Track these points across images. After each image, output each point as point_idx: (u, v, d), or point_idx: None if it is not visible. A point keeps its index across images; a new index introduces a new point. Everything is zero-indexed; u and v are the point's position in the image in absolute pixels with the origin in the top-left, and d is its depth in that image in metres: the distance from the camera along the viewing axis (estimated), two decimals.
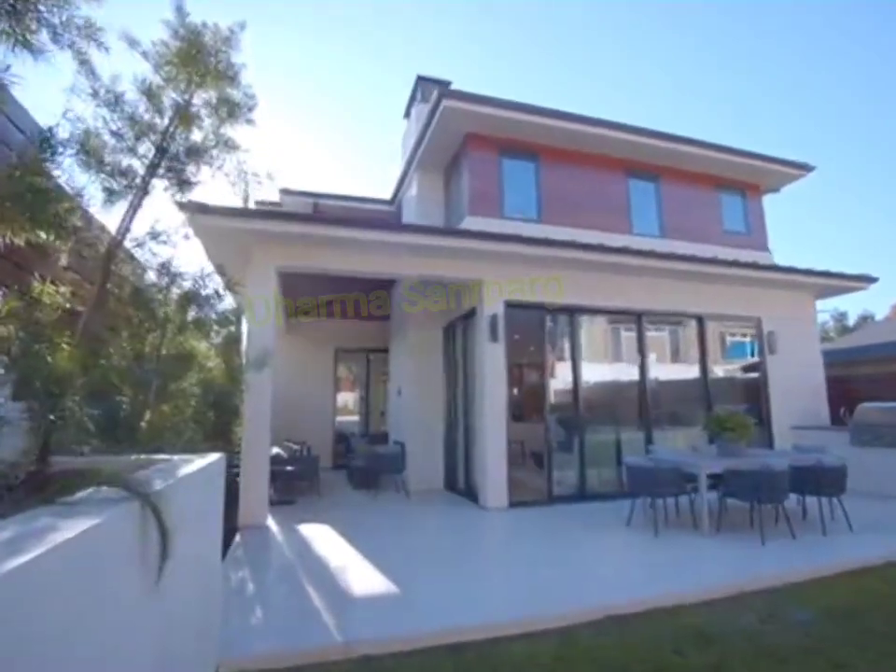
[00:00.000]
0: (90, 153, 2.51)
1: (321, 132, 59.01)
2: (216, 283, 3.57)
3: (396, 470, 7.51)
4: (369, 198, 11.34)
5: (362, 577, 4.02)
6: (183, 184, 2.62)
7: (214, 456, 2.61)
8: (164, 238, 2.58)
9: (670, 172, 9.63)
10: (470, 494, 7.32)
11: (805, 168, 10.24)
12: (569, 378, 7.39)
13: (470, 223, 7.70)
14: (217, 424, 5.43)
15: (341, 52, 46.94)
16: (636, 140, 8.78)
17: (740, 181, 10.24)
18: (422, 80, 10.02)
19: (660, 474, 5.28)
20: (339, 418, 11.79)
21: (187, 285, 3.43)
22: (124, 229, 2.44)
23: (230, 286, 3.63)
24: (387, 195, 11.44)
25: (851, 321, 32.30)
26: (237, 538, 5.23)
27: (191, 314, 3.60)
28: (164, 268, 3.15)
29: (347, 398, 13.06)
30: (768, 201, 10.73)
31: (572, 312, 7.46)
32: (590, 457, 7.23)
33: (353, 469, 8.47)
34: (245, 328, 6.22)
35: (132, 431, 3.31)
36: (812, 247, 56.58)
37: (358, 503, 7.15)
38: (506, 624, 3.20)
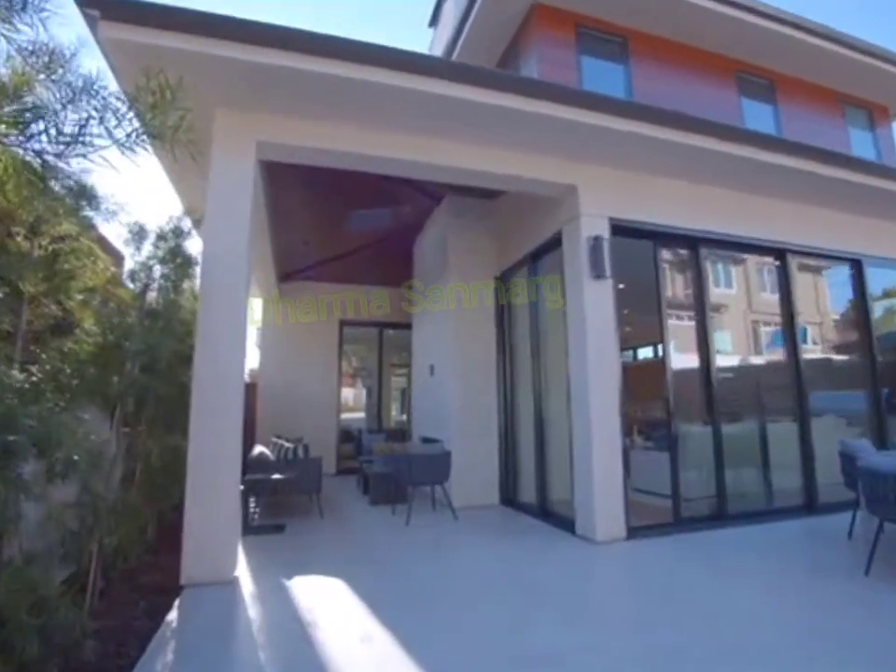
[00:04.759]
0: None
1: None
2: None
3: (437, 479, 5.05)
4: None
5: None
6: None
7: None
8: None
9: (787, 81, 7.25)
10: (548, 514, 4.90)
11: None
12: (692, 344, 4.99)
13: None
14: (152, 400, 3.00)
15: None
16: (747, 20, 6.30)
17: (866, 100, 7.89)
18: None
19: None
20: (342, 415, 9.32)
21: None
22: None
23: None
24: None
25: None
26: (172, 612, 2.75)
27: None
28: None
29: (352, 387, 10.64)
30: None
31: (695, 242, 5.05)
32: (729, 460, 4.82)
33: (369, 476, 6.01)
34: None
35: None
36: None
37: (383, 531, 4.71)
38: None
